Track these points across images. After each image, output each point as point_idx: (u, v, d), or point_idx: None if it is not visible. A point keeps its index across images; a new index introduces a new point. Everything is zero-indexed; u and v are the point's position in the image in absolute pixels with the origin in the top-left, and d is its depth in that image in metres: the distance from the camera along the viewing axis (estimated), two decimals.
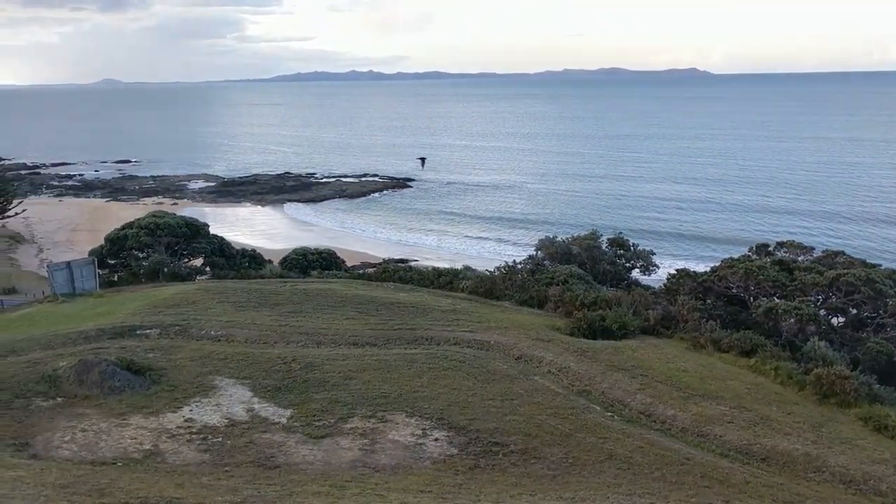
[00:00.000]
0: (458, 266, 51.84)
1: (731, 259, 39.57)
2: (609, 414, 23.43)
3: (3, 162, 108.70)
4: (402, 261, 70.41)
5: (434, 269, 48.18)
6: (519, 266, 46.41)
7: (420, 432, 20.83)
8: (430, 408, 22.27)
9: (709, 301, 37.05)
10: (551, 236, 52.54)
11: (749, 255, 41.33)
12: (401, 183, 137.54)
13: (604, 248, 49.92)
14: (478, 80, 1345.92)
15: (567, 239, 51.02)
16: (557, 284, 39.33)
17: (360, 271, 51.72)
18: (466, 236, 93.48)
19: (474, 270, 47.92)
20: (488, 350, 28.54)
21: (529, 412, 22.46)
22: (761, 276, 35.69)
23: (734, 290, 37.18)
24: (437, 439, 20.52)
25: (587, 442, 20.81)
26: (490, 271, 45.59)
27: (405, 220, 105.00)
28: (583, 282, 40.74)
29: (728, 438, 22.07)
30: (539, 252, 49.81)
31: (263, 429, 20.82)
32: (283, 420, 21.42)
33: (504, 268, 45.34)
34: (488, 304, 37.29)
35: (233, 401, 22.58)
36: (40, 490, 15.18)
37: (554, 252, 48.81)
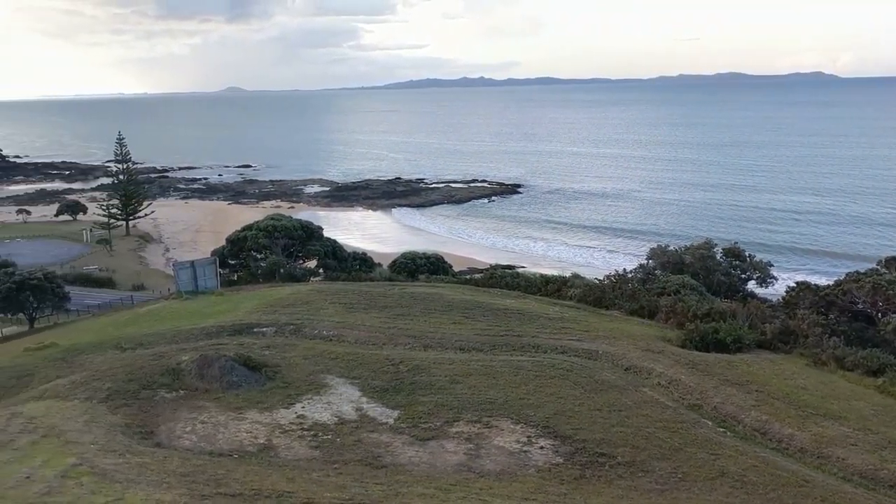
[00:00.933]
0: (567, 274, 51.28)
1: (858, 273, 37.42)
2: (721, 430, 22.62)
3: (135, 166, 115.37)
4: (509, 267, 70.28)
5: (542, 276, 47.88)
6: (629, 275, 45.51)
7: (525, 439, 20.73)
8: (536, 415, 22.13)
9: (831, 316, 35.19)
10: (663, 245, 51.27)
11: (877, 269, 38.97)
12: (509, 188, 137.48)
13: (718, 258, 48.26)
14: (589, 85, 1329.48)
15: (680, 248, 49.64)
16: (669, 294, 38.34)
17: (468, 276, 52.07)
18: (574, 244, 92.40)
19: (583, 278, 47.31)
20: (596, 360, 28.10)
21: (638, 424, 21.96)
22: (891, 292, 33.61)
23: (860, 306, 35.18)
24: (542, 447, 20.37)
25: (698, 457, 20.16)
26: (599, 280, 44.92)
27: (513, 225, 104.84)
28: (696, 292, 39.54)
29: (851, 462, 20.87)
30: (650, 261, 48.68)
31: (371, 428, 21.23)
32: (391, 421, 21.78)
33: (614, 276, 44.56)
34: (597, 313, 36.73)
35: (342, 399, 23.14)
36: (163, 477, 16.03)
37: (666, 261, 47.59)
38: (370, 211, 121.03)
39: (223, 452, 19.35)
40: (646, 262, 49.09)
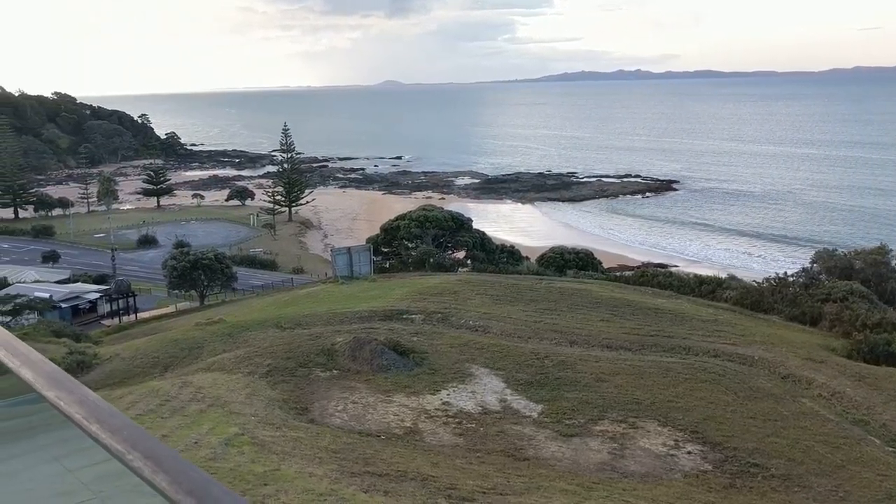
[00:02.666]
0: (722, 275, 49.18)
1: None
2: (891, 449, 20.99)
3: (298, 155, 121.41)
4: (661, 265, 68.34)
5: (696, 276, 46.20)
6: (791, 279, 43.02)
7: (672, 443, 20.14)
8: (685, 419, 21.44)
9: None
10: (830, 248, 48.07)
11: None
12: (664, 185, 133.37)
13: (893, 264, 44.65)
14: (753, 79, 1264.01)
15: (849, 253, 46.35)
16: (835, 301, 35.92)
17: (617, 273, 51.02)
18: (731, 246, 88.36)
19: (740, 280, 45.24)
20: (751, 366, 26.83)
21: (795, 436, 20.79)
22: None
23: None
24: (690, 452, 19.73)
25: (862, 476, 18.83)
26: (758, 283, 42.77)
27: (666, 224, 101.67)
28: (866, 300, 36.80)
29: None
30: (815, 265, 45.74)
31: (515, 420, 21.35)
32: (534, 414, 21.80)
33: (774, 280, 42.29)
34: (754, 318, 35.03)
35: (487, 390, 23.40)
36: (315, 452, 16.86)
37: (832, 266, 44.57)
38: (519, 204, 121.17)
39: (371, 433, 20.08)
40: (809, 265, 46.20)
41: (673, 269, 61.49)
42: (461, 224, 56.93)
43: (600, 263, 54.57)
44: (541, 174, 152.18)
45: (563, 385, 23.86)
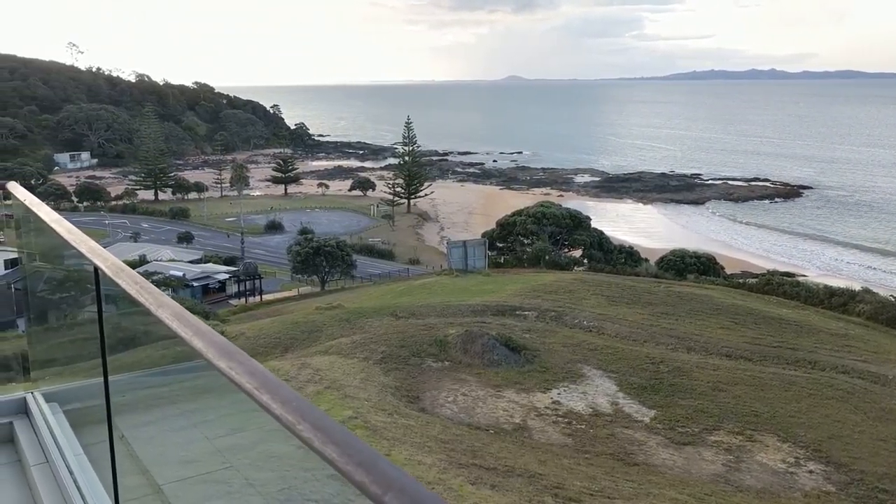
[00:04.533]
0: (856, 287, 46.45)
1: None
2: None
3: (419, 148, 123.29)
4: (787, 274, 65.05)
5: (825, 287, 43.83)
6: None
7: (792, 460, 19.28)
8: (807, 436, 20.46)
9: None
10: None
11: None
12: (794, 191, 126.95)
13: None
14: None
15: None
16: None
17: (740, 280, 49.10)
18: (864, 258, 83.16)
19: (875, 294, 42.57)
20: (884, 385, 25.25)
21: None
22: None
23: None
24: (811, 471, 18.82)
25: None
26: (895, 297, 40.14)
27: (795, 231, 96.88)
28: None
29: None
30: None
31: (626, 424, 20.99)
32: (646, 420, 21.36)
33: None
34: (889, 334, 32.93)
35: (598, 391, 23.11)
36: (425, 441, 17.18)
37: None
38: (640, 204, 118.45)
39: (480, 426, 20.24)
40: None
41: (800, 279, 58.54)
42: (579, 222, 56.31)
43: (722, 269, 52.70)
44: (663, 174, 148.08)
45: (678, 392, 23.25)
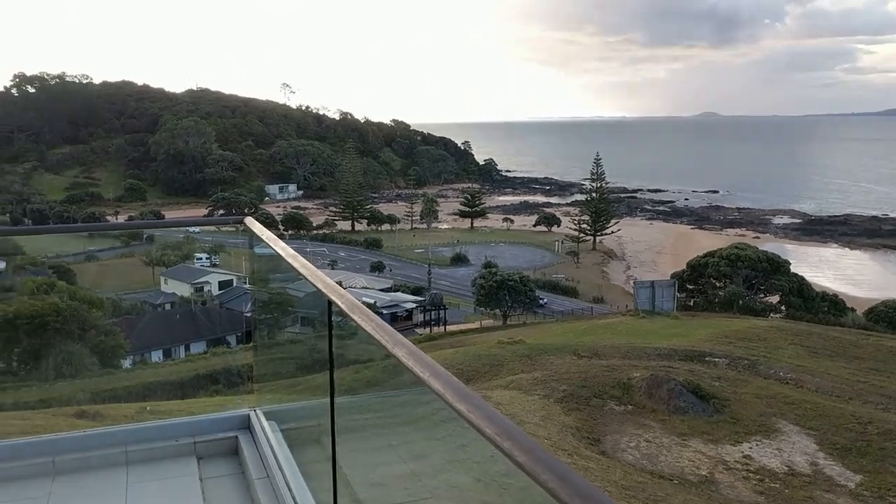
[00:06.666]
0: None
1: None
2: None
3: (607, 185, 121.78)
4: None
5: None
6: None
7: None
8: None
9: None
10: None
11: None
12: None
13: None
14: None
15: None
16: None
17: None
18: None
19: None
20: None
21: None
22: None
23: None
24: None
25: None
26: None
27: None
28: None
29: None
30: None
31: (826, 488, 19.39)
32: (851, 485, 19.61)
33: None
34: None
35: (795, 449, 21.53)
36: (605, 485, 16.80)
37: None
38: (846, 249, 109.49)
39: (664, 475, 19.50)
40: None
41: None
42: (777, 266, 53.03)
43: None
44: (875, 218, 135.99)
45: (890, 457, 21.14)
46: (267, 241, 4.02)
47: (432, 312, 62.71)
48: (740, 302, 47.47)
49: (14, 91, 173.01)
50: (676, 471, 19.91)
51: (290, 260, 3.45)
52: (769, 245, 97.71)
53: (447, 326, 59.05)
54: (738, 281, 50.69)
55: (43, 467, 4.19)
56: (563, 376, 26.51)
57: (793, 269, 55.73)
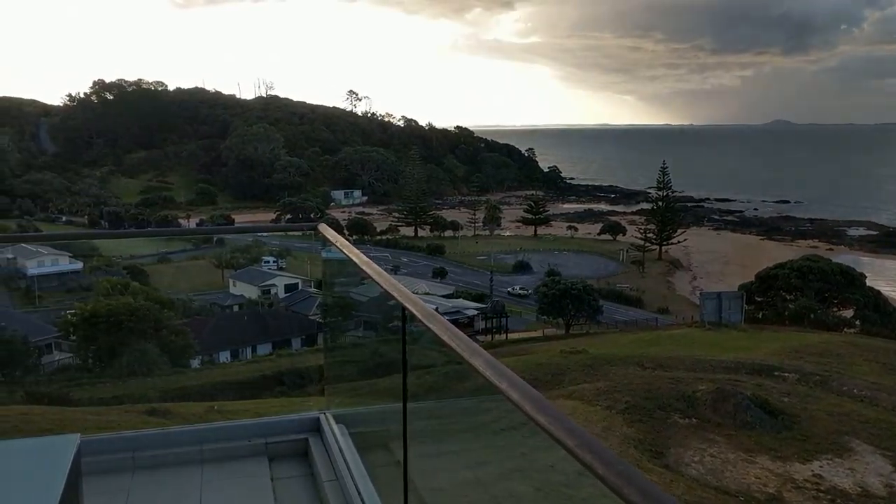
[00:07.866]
0: None
1: None
2: None
3: (674, 194, 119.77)
4: None
5: None
6: None
7: None
8: None
9: None
10: None
11: None
12: None
13: None
14: None
15: None
16: None
17: None
18: None
19: None
20: None
21: None
22: None
23: None
24: None
25: None
26: None
27: None
28: None
29: None
30: None
31: None
32: None
33: None
34: None
35: (870, 470, 20.79)
36: None
37: None
38: None
39: (729, 491, 19.07)
40: None
41: None
42: (851, 279, 51.31)
43: None
44: None
45: None
46: (341, 247, 4.12)
47: (493, 320, 62.63)
48: (812, 315, 46.06)
49: (94, 98, 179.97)
50: (742, 487, 19.44)
51: (364, 267, 3.54)
52: (843, 257, 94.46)
53: (509, 334, 58.90)
54: (810, 294, 49.20)
55: (123, 462, 4.38)
56: (626, 387, 26.17)
57: (868, 282, 53.84)
